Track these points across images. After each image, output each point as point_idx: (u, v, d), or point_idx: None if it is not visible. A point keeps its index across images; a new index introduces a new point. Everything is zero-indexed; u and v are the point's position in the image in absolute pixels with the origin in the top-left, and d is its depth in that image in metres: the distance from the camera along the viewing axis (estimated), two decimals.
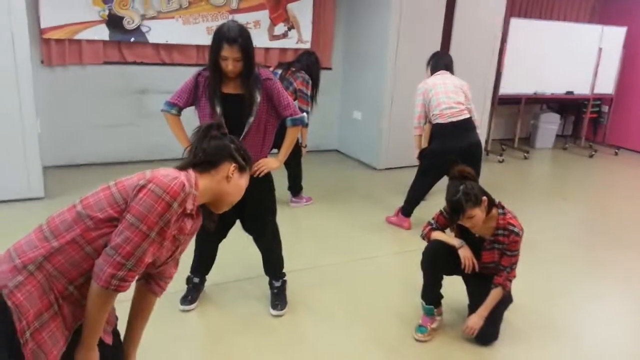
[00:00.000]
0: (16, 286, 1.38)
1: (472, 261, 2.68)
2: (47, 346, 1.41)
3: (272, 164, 2.67)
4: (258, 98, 2.54)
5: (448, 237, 2.78)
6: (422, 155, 4.16)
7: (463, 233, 2.74)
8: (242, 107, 2.53)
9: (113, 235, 1.44)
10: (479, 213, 2.51)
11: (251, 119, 2.54)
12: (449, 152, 3.72)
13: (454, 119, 3.90)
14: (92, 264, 1.45)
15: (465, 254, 2.68)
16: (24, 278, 1.39)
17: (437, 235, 2.78)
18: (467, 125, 3.95)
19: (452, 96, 3.94)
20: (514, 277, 2.67)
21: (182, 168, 1.63)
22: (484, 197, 2.53)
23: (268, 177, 2.72)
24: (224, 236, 2.88)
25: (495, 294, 2.66)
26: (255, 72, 2.53)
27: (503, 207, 2.64)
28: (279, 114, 2.64)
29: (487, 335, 2.72)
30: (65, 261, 1.44)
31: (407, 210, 4.23)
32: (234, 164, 1.69)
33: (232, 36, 2.38)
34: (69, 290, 1.45)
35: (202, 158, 1.66)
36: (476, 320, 2.68)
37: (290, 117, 2.65)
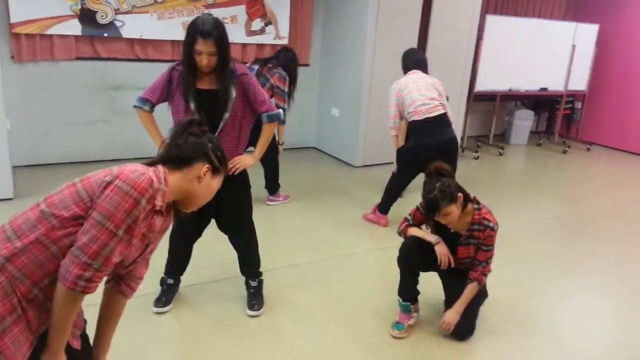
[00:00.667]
0: None
1: (448, 257, 2.70)
2: (9, 352, 1.36)
3: (248, 161, 2.63)
4: (233, 94, 2.50)
5: (424, 233, 2.79)
6: (399, 152, 4.18)
7: (439, 228, 2.75)
8: (217, 102, 2.49)
9: (79, 234, 1.40)
10: (454, 210, 2.52)
11: (226, 115, 2.50)
12: (425, 148, 3.77)
13: (429, 115, 3.92)
14: (58, 265, 1.41)
15: (441, 250, 2.70)
16: None
17: (413, 231, 2.79)
18: (442, 121, 3.97)
19: (425, 93, 3.96)
20: (489, 271, 2.70)
21: (152, 164, 1.58)
22: (460, 194, 2.55)
23: (243, 175, 2.69)
24: (199, 235, 2.84)
25: (471, 289, 2.68)
26: (230, 67, 2.49)
27: (478, 202, 2.66)
28: (255, 110, 2.60)
29: (464, 330, 2.75)
30: (29, 262, 1.39)
31: (384, 207, 4.24)
32: (207, 164, 1.63)
33: (207, 30, 2.33)
34: (33, 292, 1.41)
35: (175, 154, 1.61)
36: (452, 316, 2.70)
37: (266, 113, 2.61)
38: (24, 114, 4.88)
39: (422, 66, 4.20)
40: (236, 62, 2.57)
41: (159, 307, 2.81)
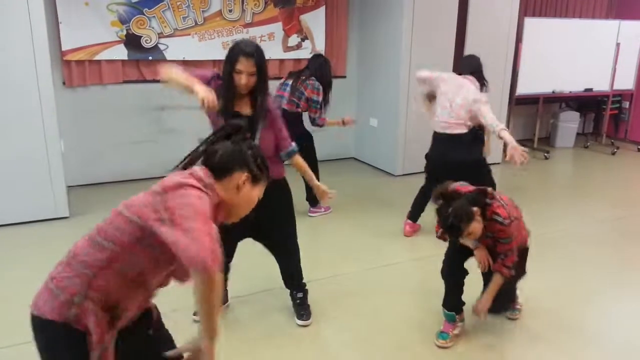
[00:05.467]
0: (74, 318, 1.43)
1: (488, 260, 2.67)
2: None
3: (322, 194, 2.78)
4: (262, 125, 2.57)
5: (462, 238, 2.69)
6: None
7: None
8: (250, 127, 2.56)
9: (170, 236, 1.37)
10: (476, 225, 2.48)
11: (257, 140, 2.58)
12: (431, 162, 3.95)
13: (439, 131, 3.85)
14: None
15: (480, 254, 2.67)
16: (78, 311, 1.43)
17: None
18: (449, 142, 3.79)
19: (451, 113, 3.78)
20: (512, 262, 2.61)
21: (187, 166, 1.59)
22: (475, 208, 2.48)
23: (285, 192, 2.77)
24: (233, 252, 2.89)
25: (495, 280, 2.65)
26: (266, 95, 2.57)
27: (493, 197, 2.58)
28: (277, 145, 2.66)
29: (498, 306, 2.74)
30: (107, 285, 1.46)
31: (411, 214, 4.23)
32: (246, 173, 1.59)
33: (249, 50, 2.45)
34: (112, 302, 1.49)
35: (215, 162, 1.58)
36: (484, 303, 2.67)
37: (284, 152, 2.66)
38: (76, 137, 5.13)
39: (465, 72, 4.04)
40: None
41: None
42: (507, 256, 2.61)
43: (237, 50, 2.46)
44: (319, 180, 4.48)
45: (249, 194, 1.61)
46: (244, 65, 2.44)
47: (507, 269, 2.62)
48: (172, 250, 1.36)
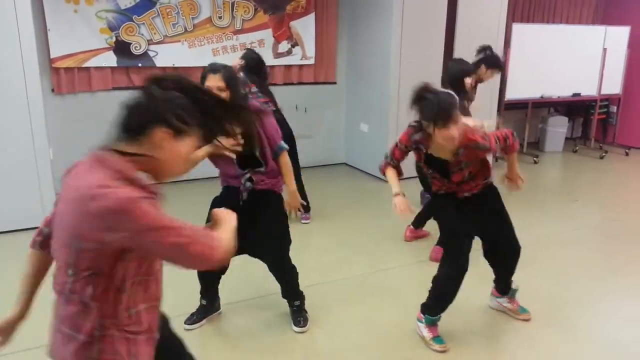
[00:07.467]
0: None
1: (403, 208, 2.76)
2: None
3: (294, 200, 2.81)
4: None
5: (394, 180, 2.91)
6: None
7: (429, 160, 2.84)
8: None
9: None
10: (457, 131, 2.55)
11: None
12: None
13: None
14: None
15: (397, 201, 2.79)
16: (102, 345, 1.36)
17: (390, 173, 2.93)
18: None
19: None
20: (510, 135, 2.81)
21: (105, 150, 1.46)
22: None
23: (277, 205, 2.77)
24: (226, 267, 2.86)
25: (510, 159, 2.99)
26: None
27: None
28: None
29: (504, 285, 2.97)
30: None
31: (415, 221, 4.23)
32: (164, 128, 1.39)
33: (216, 67, 2.55)
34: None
35: (127, 125, 1.43)
36: (514, 176, 3.00)
37: (275, 150, 2.72)
38: (66, 144, 5.08)
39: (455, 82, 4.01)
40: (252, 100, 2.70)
41: (187, 323, 2.89)
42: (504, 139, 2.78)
43: (205, 70, 2.57)
44: (301, 186, 4.53)
45: (175, 150, 1.42)
46: (212, 81, 2.51)
47: (512, 144, 2.81)
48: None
